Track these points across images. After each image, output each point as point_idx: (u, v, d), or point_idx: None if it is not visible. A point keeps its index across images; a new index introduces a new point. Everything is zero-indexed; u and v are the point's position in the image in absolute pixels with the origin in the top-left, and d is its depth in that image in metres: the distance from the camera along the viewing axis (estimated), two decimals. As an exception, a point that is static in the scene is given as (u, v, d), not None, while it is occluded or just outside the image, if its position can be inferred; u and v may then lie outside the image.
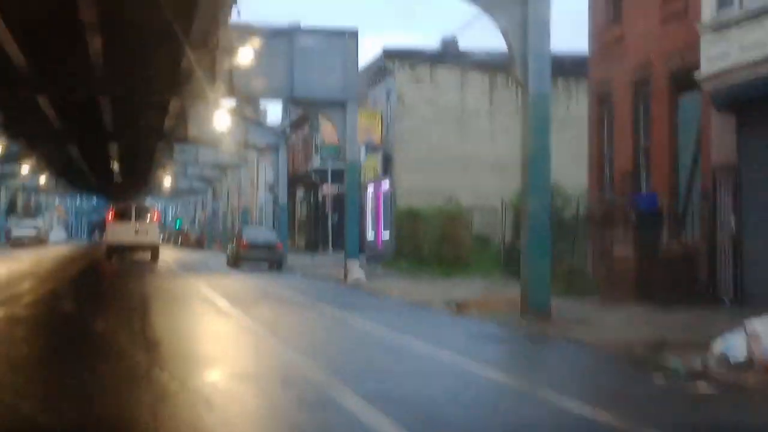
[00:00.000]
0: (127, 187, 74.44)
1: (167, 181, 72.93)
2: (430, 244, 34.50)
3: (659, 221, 20.00)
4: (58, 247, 69.37)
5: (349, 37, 29.04)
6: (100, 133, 40.42)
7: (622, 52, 23.28)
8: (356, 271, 28.75)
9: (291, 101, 33.43)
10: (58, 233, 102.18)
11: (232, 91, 28.91)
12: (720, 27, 18.54)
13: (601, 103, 24.69)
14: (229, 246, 43.01)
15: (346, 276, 28.98)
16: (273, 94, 28.96)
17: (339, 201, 51.44)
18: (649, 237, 19.52)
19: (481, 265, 30.60)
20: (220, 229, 79.35)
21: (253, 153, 59.04)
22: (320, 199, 55.70)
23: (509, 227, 29.15)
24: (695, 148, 20.46)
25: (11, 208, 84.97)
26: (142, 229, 41.36)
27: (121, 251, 41.57)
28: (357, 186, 29.30)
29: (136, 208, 44.08)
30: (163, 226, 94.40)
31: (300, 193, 62.47)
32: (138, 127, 41.88)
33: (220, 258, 47.13)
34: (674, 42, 20.93)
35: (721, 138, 18.86)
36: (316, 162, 55.04)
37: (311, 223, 58.07)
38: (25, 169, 64.09)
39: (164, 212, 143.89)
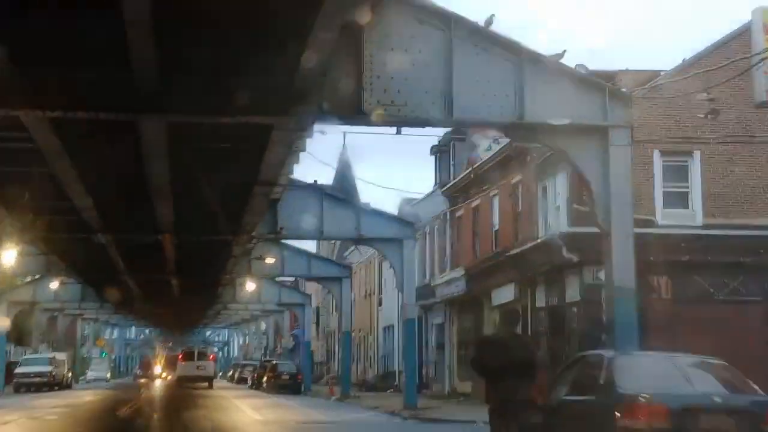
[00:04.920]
0: (185, 320, 65.46)
1: (250, 288, 48.97)
2: None
3: None
4: (85, 393, 46.56)
5: None
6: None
7: None
8: None
9: None
10: (96, 371, 77.99)
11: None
12: None
13: None
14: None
15: None
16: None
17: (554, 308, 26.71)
18: None
19: None
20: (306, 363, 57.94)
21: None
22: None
23: None
24: None
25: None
26: (202, 366, 58.41)
27: (187, 380, 56.02)
28: None
29: (198, 352, 60.98)
30: (224, 362, 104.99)
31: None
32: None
33: (362, 415, 29.53)
34: None
35: None
36: (541, 229, 29.20)
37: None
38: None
39: (229, 341, 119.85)
